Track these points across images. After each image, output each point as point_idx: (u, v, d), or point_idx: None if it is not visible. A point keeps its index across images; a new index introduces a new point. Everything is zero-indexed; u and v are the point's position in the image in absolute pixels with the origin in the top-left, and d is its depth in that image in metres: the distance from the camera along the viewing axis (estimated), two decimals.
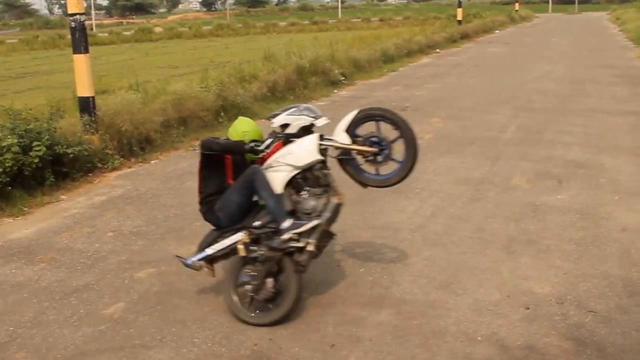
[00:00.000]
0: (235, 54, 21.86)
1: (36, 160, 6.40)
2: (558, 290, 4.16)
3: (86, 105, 7.55)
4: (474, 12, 36.76)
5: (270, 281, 3.86)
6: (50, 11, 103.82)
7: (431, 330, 3.73)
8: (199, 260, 4.02)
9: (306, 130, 4.01)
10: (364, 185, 4.16)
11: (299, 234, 3.76)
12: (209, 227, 4.11)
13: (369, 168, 4.11)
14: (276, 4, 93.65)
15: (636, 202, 5.81)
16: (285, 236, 3.77)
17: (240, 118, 4.30)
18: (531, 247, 4.88)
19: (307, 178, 3.95)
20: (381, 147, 3.97)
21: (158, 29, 43.12)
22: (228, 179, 4.02)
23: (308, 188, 3.94)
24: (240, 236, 3.88)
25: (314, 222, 3.78)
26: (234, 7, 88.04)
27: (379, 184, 4.15)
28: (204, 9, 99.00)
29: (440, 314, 3.91)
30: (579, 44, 23.53)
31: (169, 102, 9.03)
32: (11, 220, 5.96)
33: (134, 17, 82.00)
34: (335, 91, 13.23)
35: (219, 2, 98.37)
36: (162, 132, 8.57)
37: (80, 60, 7.51)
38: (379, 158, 3.99)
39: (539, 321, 3.79)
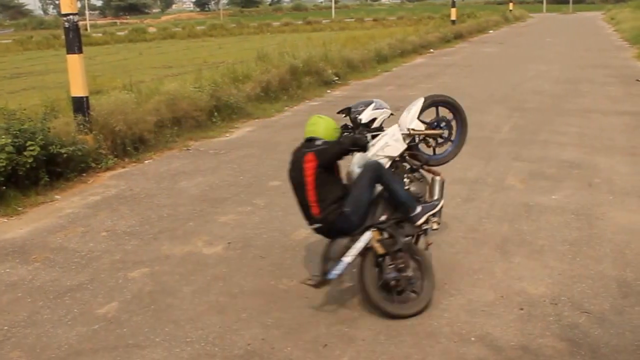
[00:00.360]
0: (229, 54, 21.87)
1: (30, 160, 6.43)
2: (552, 291, 4.16)
3: (80, 105, 7.57)
4: (467, 12, 36.86)
5: (413, 268, 3.94)
6: (45, 11, 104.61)
7: (424, 331, 3.72)
8: (342, 272, 3.85)
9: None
10: (426, 165, 4.40)
11: (433, 214, 4.02)
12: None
13: (426, 150, 4.45)
14: (270, 4, 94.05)
15: (631, 203, 5.81)
16: (422, 219, 3.98)
17: (321, 117, 4.15)
18: (525, 248, 4.88)
19: (398, 167, 4.20)
20: (443, 128, 4.44)
21: (152, 29, 43.31)
22: (341, 180, 4.05)
23: (405, 175, 4.20)
24: (369, 236, 3.83)
25: (441, 202, 4.13)
26: (227, 7, 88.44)
27: (437, 162, 4.49)
28: (198, 9, 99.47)
29: (433, 315, 3.90)
30: (573, 44, 23.60)
31: (162, 102, 9.04)
32: (5, 220, 5.97)
33: (128, 17, 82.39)
34: (329, 91, 13.23)
35: (213, 2, 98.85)
36: (156, 132, 8.59)
37: (74, 61, 7.53)
38: (440, 140, 4.45)
39: (533, 322, 3.79)
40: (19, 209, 6.20)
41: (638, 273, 4.37)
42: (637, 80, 13.36)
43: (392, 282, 3.84)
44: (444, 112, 4.51)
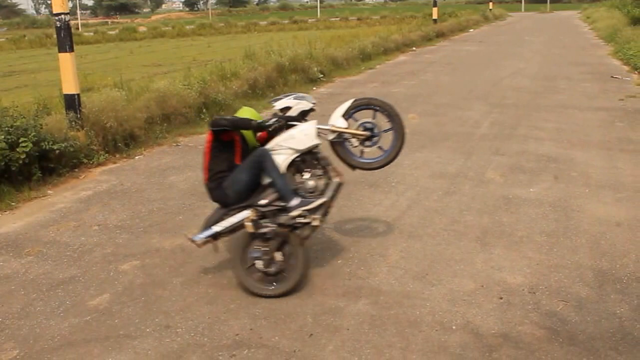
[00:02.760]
0: (217, 53, 21.82)
1: (23, 156, 6.47)
2: (530, 281, 4.24)
3: (72, 103, 7.63)
4: (449, 11, 37.17)
5: (279, 255, 4.10)
6: (37, 11, 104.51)
7: (407, 320, 3.79)
8: (207, 237, 4.19)
9: (303, 115, 4.39)
10: (352, 167, 4.51)
11: (308, 210, 4.03)
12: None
13: (356, 151, 4.45)
14: (257, 4, 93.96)
15: (605, 195, 5.93)
16: (295, 213, 4.03)
17: (244, 107, 4.58)
18: (504, 239, 4.97)
19: (305, 160, 4.26)
20: (373, 133, 4.36)
21: (142, 29, 43.17)
22: (236, 159, 4.26)
23: (308, 170, 4.26)
24: (247, 214, 4.07)
25: (321, 200, 4.09)
26: (216, 6, 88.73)
27: (362, 166, 4.50)
28: (187, 9, 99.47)
29: (415, 304, 3.97)
30: (551, 42, 23.85)
31: (152, 99, 9.11)
32: None
33: (119, 16, 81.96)
34: (314, 88, 13.27)
35: (202, 2, 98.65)
36: (146, 129, 8.66)
37: (66, 59, 7.57)
38: (368, 143, 4.38)
39: (512, 310, 3.86)
40: (13, 204, 6.23)
41: (613, 263, 4.47)
42: (612, 77, 13.58)
43: (253, 261, 4.10)
44: (382, 120, 4.44)
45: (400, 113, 4.46)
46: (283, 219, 4.05)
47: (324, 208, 4.12)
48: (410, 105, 10.79)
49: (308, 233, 4.16)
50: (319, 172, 4.28)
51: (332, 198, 4.23)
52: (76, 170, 7.29)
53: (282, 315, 3.90)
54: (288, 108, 4.37)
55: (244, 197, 4.16)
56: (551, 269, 4.41)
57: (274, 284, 4.14)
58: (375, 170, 4.69)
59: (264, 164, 4.10)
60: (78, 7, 62.96)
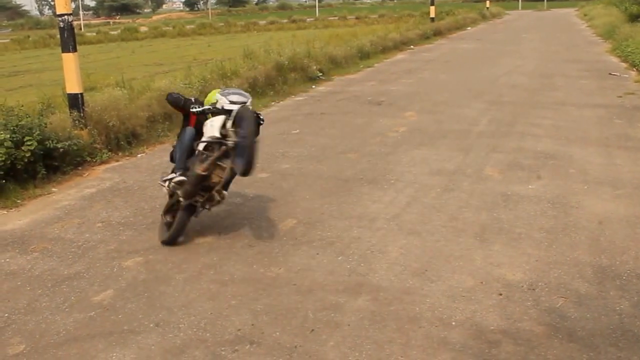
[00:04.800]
0: (217, 52, 21.85)
1: (28, 155, 6.54)
2: (530, 277, 4.24)
3: (75, 102, 7.69)
4: (446, 10, 37.12)
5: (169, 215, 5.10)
6: (41, 12, 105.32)
7: (407, 316, 3.80)
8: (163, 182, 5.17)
9: (225, 111, 4.86)
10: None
11: (171, 180, 4.95)
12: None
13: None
14: (256, 4, 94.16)
15: (604, 192, 5.95)
16: (162, 181, 5.15)
17: (213, 90, 5.20)
18: (503, 236, 4.98)
19: (212, 146, 4.82)
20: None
21: (143, 29, 43.59)
22: (189, 129, 5.10)
23: (217, 157, 4.79)
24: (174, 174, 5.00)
25: (179, 178, 4.85)
26: (215, 6, 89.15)
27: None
28: (187, 9, 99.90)
29: (415, 300, 3.98)
30: (548, 39, 23.88)
31: (154, 98, 9.15)
32: (5, 212, 6.04)
33: (120, 17, 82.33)
34: (314, 87, 13.29)
35: (202, 2, 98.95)
36: (148, 127, 8.72)
37: (69, 59, 7.62)
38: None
39: (512, 306, 3.86)
40: (18, 201, 6.28)
41: (612, 259, 4.47)
42: (611, 74, 13.61)
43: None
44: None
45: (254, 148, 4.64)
46: (168, 183, 5.00)
47: (185, 186, 4.82)
48: (408, 103, 10.81)
49: (180, 199, 4.92)
50: (224, 163, 4.82)
51: (190, 182, 4.80)
52: (80, 168, 7.35)
53: (284, 311, 3.91)
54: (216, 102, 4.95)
55: (180, 160, 4.99)
56: (550, 266, 4.42)
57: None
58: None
59: (179, 137, 5.09)
60: (81, 8, 63.75)
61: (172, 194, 5.02)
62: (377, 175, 6.55)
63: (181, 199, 4.88)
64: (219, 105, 4.84)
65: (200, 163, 4.77)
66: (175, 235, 4.96)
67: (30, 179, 6.67)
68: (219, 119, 4.78)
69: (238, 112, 4.74)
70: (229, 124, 4.76)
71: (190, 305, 4.05)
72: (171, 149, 5.40)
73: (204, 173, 4.75)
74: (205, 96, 5.16)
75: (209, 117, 4.91)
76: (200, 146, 4.80)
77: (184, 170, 4.86)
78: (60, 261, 4.83)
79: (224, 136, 4.75)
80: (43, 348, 3.62)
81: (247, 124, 4.60)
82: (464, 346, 3.48)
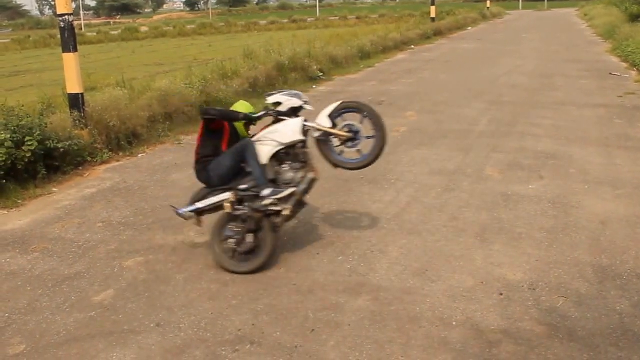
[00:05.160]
0: (218, 52, 21.92)
1: (28, 155, 6.55)
2: (530, 277, 4.25)
3: (76, 102, 7.71)
4: (447, 10, 37.19)
5: (250, 237, 4.44)
6: (41, 12, 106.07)
7: (407, 316, 3.81)
8: (190, 211, 4.55)
9: (294, 112, 4.59)
10: (333, 164, 4.71)
11: (278, 199, 4.35)
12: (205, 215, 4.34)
13: (337, 150, 4.64)
14: (257, 4, 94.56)
15: (604, 191, 5.95)
16: (267, 201, 4.36)
17: (240, 101, 4.92)
18: (504, 235, 4.98)
19: (289, 154, 4.53)
20: (355, 137, 4.53)
21: (144, 29, 43.79)
22: (223, 146, 4.59)
23: (289, 162, 4.53)
24: (227, 196, 4.42)
25: (290, 190, 4.40)
26: (216, 6, 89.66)
27: (340, 164, 4.69)
28: (188, 9, 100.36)
29: (416, 300, 3.99)
30: (548, 39, 23.88)
31: (154, 98, 9.18)
32: (6, 212, 6.05)
33: (120, 17, 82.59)
34: (314, 86, 13.30)
35: (202, 2, 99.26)
36: (149, 127, 8.73)
37: (70, 59, 7.64)
38: (349, 144, 4.56)
39: (512, 307, 3.87)
40: (19, 201, 6.29)
41: (613, 259, 4.48)
42: (611, 74, 13.60)
43: (227, 239, 4.47)
44: (369, 129, 4.54)
45: (385, 126, 4.55)
46: (257, 204, 4.39)
47: (294, 199, 4.41)
48: (409, 103, 10.82)
49: (279, 221, 4.49)
50: (298, 165, 4.54)
51: (304, 191, 4.49)
52: (80, 168, 7.36)
53: (284, 311, 3.92)
54: (279, 103, 4.59)
55: (226, 181, 4.48)
56: (551, 265, 4.42)
57: (241, 262, 4.47)
58: (362, 169, 4.78)
59: (246, 152, 4.43)
60: (81, 8, 64.29)
61: (245, 218, 4.45)
62: (377, 175, 6.55)
63: (284, 213, 4.38)
64: (287, 106, 4.55)
65: (303, 169, 4.52)
66: (268, 259, 4.52)
67: (31, 179, 6.68)
68: (298, 121, 4.49)
69: (357, 108, 4.54)
70: (330, 121, 4.52)
71: (190, 305, 4.05)
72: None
73: (316, 177, 4.58)
74: (230, 105, 5.06)
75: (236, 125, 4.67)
76: (271, 152, 4.48)
77: (268, 184, 4.42)
78: (61, 261, 4.84)
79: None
80: (43, 348, 3.62)
81: (378, 118, 4.50)
82: (465, 346, 3.48)
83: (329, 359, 3.41)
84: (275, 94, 4.67)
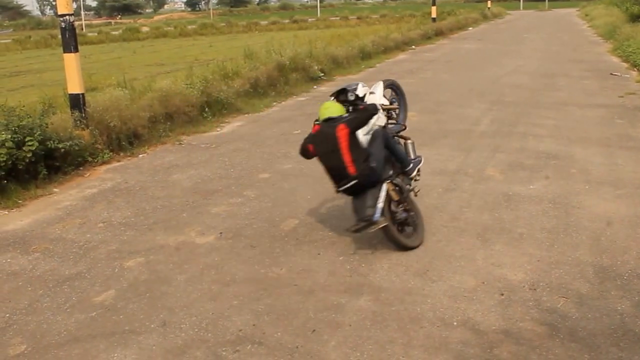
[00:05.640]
0: (219, 52, 21.93)
1: (29, 155, 6.56)
2: (531, 277, 4.25)
3: (76, 102, 7.72)
4: (447, 10, 37.20)
5: (406, 211, 4.84)
6: (42, 12, 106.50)
7: (408, 316, 3.81)
8: (382, 215, 4.50)
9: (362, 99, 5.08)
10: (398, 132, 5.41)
11: (418, 169, 5.05)
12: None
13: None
14: (258, 4, 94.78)
15: (606, 192, 5.95)
16: (414, 173, 5.03)
17: (332, 102, 4.98)
18: (505, 236, 4.98)
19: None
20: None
21: (145, 29, 43.92)
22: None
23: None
24: (387, 186, 4.64)
25: (422, 158, 5.18)
26: (217, 6, 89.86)
27: (395, 132, 5.33)
28: (189, 9, 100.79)
29: (416, 300, 3.99)
30: (550, 39, 23.87)
31: (155, 98, 9.19)
32: (6, 213, 6.06)
33: (121, 17, 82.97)
34: (315, 87, 13.31)
35: (203, 2, 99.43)
36: (149, 127, 8.74)
37: (71, 59, 7.65)
38: (394, 113, 5.43)
39: (513, 307, 3.87)
40: (19, 201, 6.30)
41: (614, 259, 4.48)
42: (612, 74, 13.59)
43: (403, 220, 4.77)
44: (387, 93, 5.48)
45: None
46: (406, 181, 4.97)
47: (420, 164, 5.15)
48: (410, 103, 10.60)
49: (415, 186, 5.12)
50: (398, 139, 5.20)
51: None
52: (81, 168, 7.37)
53: (285, 311, 3.92)
54: (365, 95, 5.07)
55: (382, 173, 4.69)
56: (552, 266, 4.42)
57: (409, 238, 4.81)
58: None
59: (389, 141, 4.84)
60: (82, 8, 64.43)
61: (406, 195, 4.94)
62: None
63: (418, 179, 5.15)
64: (372, 99, 5.07)
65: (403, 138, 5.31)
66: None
67: (32, 179, 6.69)
68: (378, 106, 4.98)
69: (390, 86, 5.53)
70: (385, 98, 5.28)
71: (191, 305, 4.05)
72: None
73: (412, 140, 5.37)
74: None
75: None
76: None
77: (410, 160, 5.07)
78: (62, 261, 4.84)
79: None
80: (44, 348, 3.63)
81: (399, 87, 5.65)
82: (466, 346, 3.48)
83: (330, 359, 3.41)
84: (356, 87, 5.05)
